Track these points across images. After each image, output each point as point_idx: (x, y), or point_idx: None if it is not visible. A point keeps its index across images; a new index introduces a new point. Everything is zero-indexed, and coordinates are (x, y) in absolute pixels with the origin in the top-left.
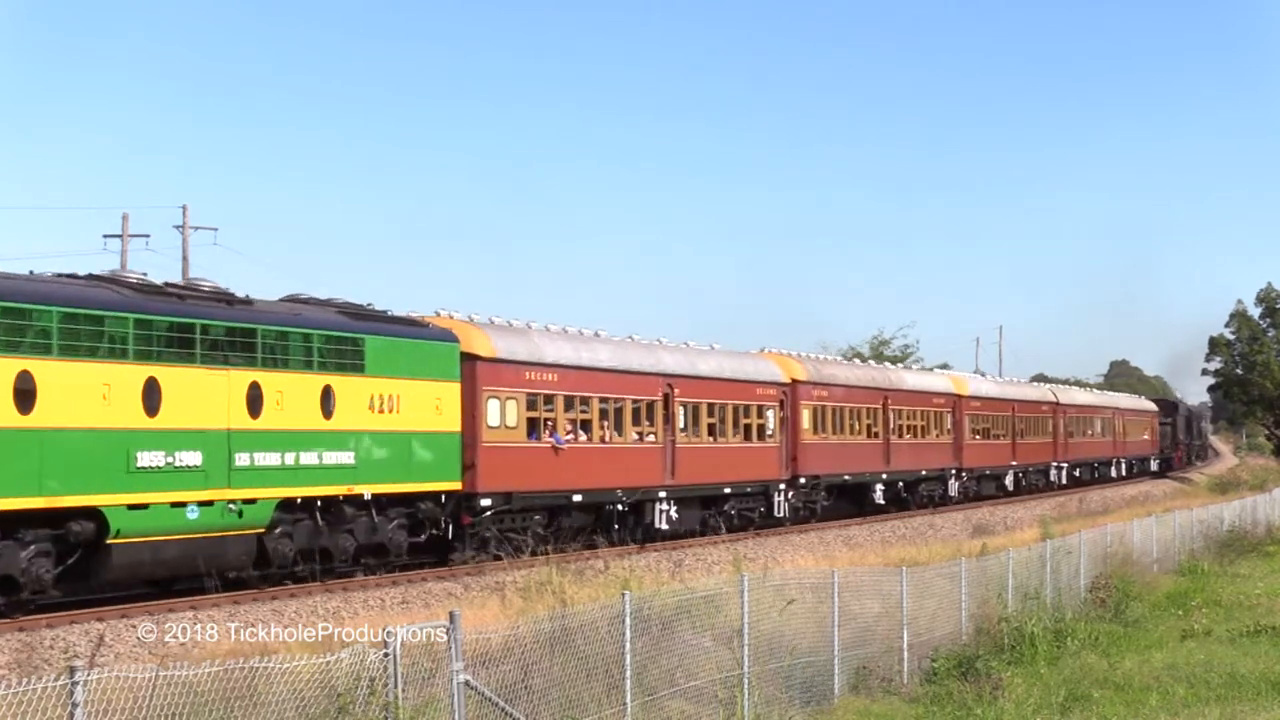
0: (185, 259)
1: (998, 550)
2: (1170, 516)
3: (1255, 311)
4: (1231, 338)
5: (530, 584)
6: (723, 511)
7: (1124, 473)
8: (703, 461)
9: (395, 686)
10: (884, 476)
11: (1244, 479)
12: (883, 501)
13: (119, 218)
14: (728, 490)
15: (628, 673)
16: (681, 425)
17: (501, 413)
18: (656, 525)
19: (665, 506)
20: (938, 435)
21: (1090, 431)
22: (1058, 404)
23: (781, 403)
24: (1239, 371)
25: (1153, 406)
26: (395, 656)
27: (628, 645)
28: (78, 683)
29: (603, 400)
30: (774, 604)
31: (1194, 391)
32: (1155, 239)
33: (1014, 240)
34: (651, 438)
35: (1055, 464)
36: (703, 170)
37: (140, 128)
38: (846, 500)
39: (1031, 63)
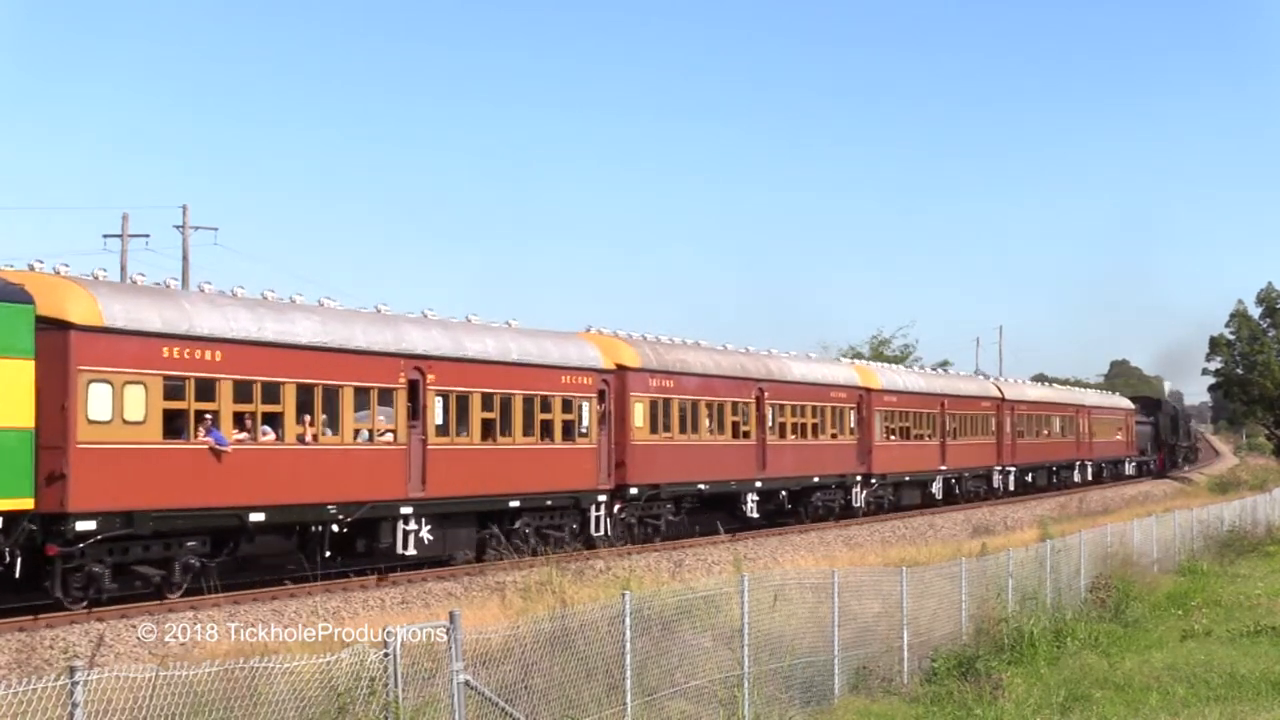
0: (185, 259)
1: (997, 550)
2: (1170, 516)
3: (1255, 311)
4: (1231, 338)
5: (530, 584)
6: (512, 530)
7: (1089, 477)
8: (472, 467)
9: (395, 686)
10: (758, 485)
11: (1244, 479)
12: (757, 515)
13: (119, 218)
14: (516, 504)
15: (628, 673)
16: (439, 420)
17: (116, 402)
18: (399, 550)
19: (412, 526)
20: (836, 435)
21: (1046, 431)
22: (1003, 400)
23: (602, 394)
24: (1239, 371)
25: (1128, 404)
26: (395, 656)
27: (628, 645)
28: (78, 683)
29: (305, 388)
30: (775, 604)
31: (1194, 391)
32: (1155, 239)
33: (1015, 240)
34: (389, 436)
35: (1000, 468)
36: (703, 170)
37: (140, 128)
38: (717, 513)
39: (1032, 63)
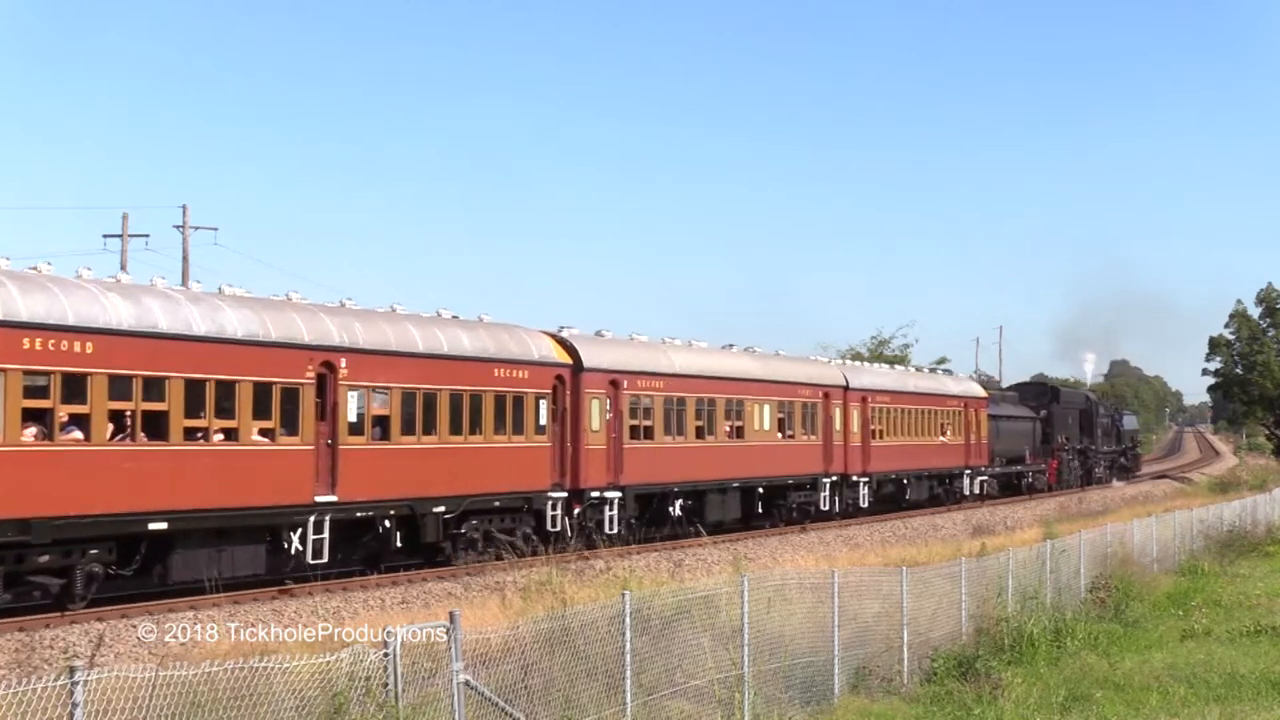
0: (185, 259)
1: (997, 550)
2: (1170, 516)
3: (1255, 311)
4: (1231, 338)
5: (530, 584)
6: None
7: (861, 502)
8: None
9: (395, 686)
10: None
11: (1244, 479)
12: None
13: (119, 218)
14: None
15: (627, 672)
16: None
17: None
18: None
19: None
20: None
21: (730, 428)
22: (579, 369)
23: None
24: (1239, 371)
25: (973, 389)
26: (395, 656)
27: (627, 645)
28: (78, 683)
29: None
30: (773, 604)
31: (1194, 391)
32: (1155, 238)
33: (1015, 241)
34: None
35: (562, 494)
36: (702, 172)
37: (140, 128)
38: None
39: (1031, 64)
